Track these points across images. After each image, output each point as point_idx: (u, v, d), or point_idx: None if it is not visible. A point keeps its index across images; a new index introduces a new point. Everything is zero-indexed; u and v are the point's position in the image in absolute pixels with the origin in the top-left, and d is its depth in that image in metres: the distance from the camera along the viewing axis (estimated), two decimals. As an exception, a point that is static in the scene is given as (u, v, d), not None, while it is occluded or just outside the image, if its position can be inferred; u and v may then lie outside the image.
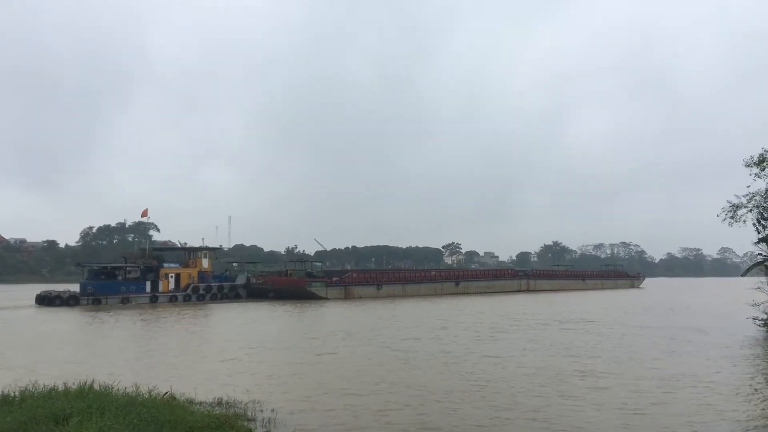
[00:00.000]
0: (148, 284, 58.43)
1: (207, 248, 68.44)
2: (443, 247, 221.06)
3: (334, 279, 70.38)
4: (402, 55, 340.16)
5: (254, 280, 69.51)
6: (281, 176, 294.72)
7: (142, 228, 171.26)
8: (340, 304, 57.61)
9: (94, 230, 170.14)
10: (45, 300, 53.46)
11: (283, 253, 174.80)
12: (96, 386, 13.55)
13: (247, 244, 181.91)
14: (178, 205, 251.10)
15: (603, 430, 13.01)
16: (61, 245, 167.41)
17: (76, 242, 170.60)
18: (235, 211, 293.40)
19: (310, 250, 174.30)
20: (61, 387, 13.46)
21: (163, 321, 41.13)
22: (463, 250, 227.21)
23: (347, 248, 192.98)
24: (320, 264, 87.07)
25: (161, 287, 58.89)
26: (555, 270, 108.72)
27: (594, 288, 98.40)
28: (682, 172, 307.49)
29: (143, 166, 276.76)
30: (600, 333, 31.67)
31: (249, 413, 13.55)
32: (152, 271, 59.56)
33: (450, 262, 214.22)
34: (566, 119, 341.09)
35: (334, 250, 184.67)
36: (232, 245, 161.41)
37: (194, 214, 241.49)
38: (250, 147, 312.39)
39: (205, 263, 65.11)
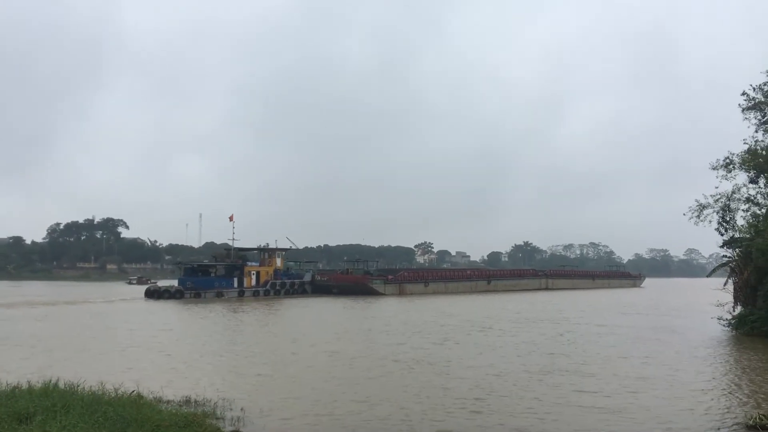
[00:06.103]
0: (235, 280, 66.96)
1: (281, 249, 77.67)
2: (415, 246, 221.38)
3: (390, 277, 78.06)
4: (395, 39, 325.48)
5: (319, 277, 78.42)
6: (255, 170, 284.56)
7: (110, 225, 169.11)
8: (397, 299, 65.56)
9: (61, 226, 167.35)
10: (154, 294, 63.80)
11: (255, 252, 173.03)
12: (61, 384, 13.37)
13: (218, 242, 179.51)
14: (147, 199, 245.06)
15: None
16: (27, 241, 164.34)
17: (43, 238, 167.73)
18: (206, 207, 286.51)
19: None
20: (24, 386, 13.24)
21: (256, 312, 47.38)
22: (435, 250, 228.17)
23: (319, 246, 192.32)
24: (375, 263, 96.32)
25: (245, 283, 67.55)
26: (569, 270, 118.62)
27: (602, 287, 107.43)
28: (656, 174, 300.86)
29: (112, 156, 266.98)
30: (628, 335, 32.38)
31: (218, 411, 13.51)
32: (238, 269, 68.15)
33: (422, 262, 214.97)
34: (557, 111, 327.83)
35: (306, 248, 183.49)
36: (202, 243, 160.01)
37: (165, 209, 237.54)
38: (226, 137, 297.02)
39: (279, 262, 73.98)
